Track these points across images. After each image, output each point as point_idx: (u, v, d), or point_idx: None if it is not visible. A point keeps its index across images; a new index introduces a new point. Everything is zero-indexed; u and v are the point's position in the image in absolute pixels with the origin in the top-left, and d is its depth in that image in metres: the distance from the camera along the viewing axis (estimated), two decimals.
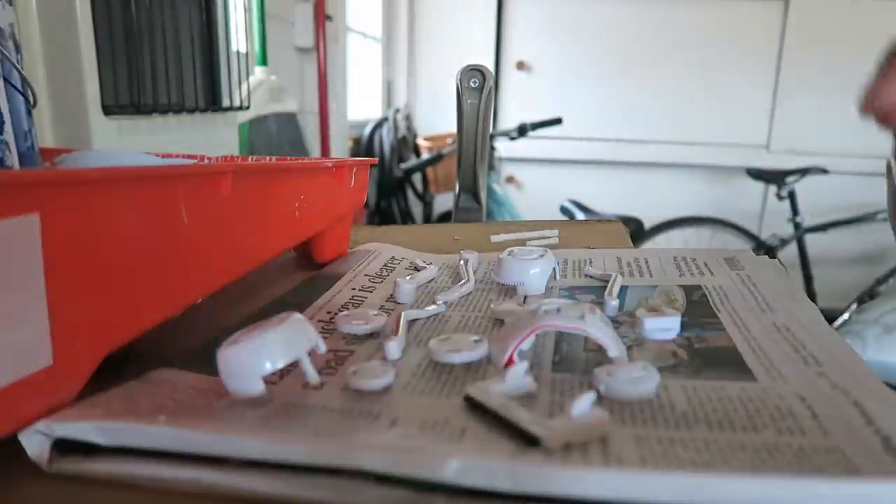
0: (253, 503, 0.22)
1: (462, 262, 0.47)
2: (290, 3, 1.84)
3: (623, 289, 0.41)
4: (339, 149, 2.11)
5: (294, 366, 0.27)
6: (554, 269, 0.43)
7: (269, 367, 0.26)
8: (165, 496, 0.22)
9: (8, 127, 0.42)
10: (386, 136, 2.51)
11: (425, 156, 2.58)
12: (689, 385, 0.27)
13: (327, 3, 1.93)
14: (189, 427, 0.24)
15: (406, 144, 2.71)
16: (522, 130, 2.30)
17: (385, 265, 0.49)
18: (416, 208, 2.76)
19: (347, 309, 0.38)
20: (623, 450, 0.22)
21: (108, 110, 0.77)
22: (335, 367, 0.30)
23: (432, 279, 0.45)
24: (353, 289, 0.43)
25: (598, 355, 0.30)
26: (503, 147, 2.88)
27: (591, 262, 0.47)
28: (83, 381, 0.26)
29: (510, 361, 0.30)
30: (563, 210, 2.54)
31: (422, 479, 0.21)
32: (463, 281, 0.43)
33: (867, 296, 2.36)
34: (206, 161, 0.53)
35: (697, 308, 0.37)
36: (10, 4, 0.45)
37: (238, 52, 1.11)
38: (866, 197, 2.76)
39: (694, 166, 2.99)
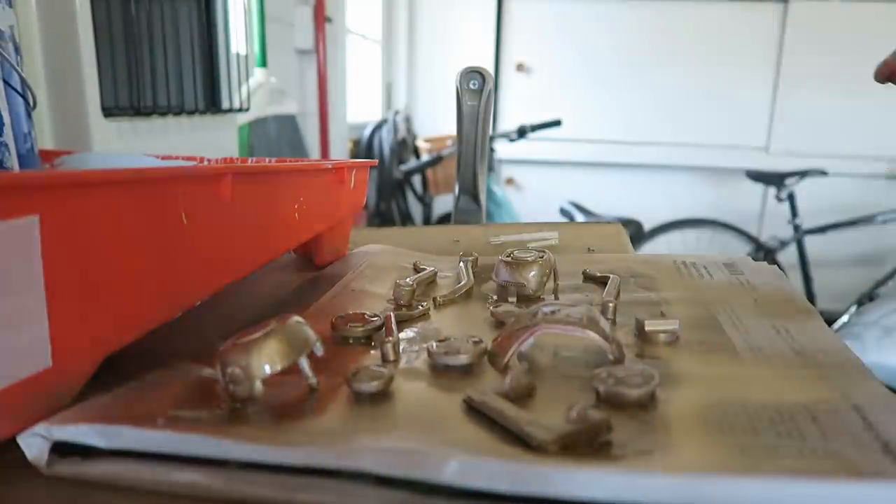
0: None
1: (462, 263, 0.47)
2: (290, 5, 1.84)
3: (622, 291, 0.41)
4: (339, 150, 2.11)
5: (293, 368, 0.27)
6: (553, 270, 0.43)
7: (268, 369, 0.26)
8: (164, 499, 0.22)
9: (8, 129, 0.42)
10: (386, 138, 2.51)
11: (425, 157, 2.58)
12: (688, 387, 0.27)
13: (327, 5, 1.93)
14: (188, 430, 0.24)
15: (406, 146, 2.71)
16: (522, 132, 2.30)
17: (384, 267, 0.49)
18: (416, 210, 2.76)
19: (347, 311, 0.38)
20: (623, 451, 0.22)
21: (107, 112, 0.77)
22: (335, 369, 0.30)
23: (432, 281, 0.45)
24: (353, 290, 0.43)
25: (598, 357, 0.30)
26: (503, 149, 2.88)
27: (590, 265, 0.47)
28: (82, 383, 0.26)
29: (509, 363, 0.30)
30: (563, 212, 2.54)
31: (421, 481, 0.21)
32: (462, 282, 0.43)
33: (867, 298, 2.36)
34: (205, 163, 0.53)
35: (697, 310, 0.37)
36: (10, 6, 0.45)
37: (238, 54, 1.11)
38: (866, 199, 2.76)
39: (693, 168, 2.99)
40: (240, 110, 1.12)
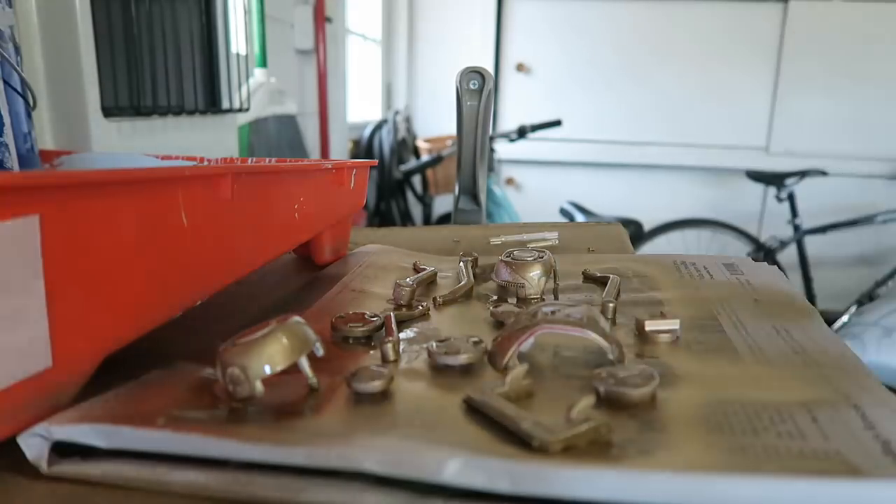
0: None
1: (461, 263, 0.47)
2: (289, 5, 1.84)
3: (622, 291, 0.41)
4: (339, 151, 2.11)
5: (293, 368, 0.27)
6: (553, 270, 0.43)
7: (268, 369, 0.26)
8: (164, 499, 0.22)
9: (8, 129, 0.42)
10: (385, 138, 2.51)
11: (425, 158, 2.58)
12: (688, 387, 0.27)
13: (327, 5, 1.93)
14: (188, 430, 0.24)
15: (406, 146, 2.71)
16: (522, 132, 2.30)
17: (384, 267, 0.49)
18: (416, 210, 2.76)
19: (347, 311, 0.38)
20: (622, 451, 0.22)
21: (107, 112, 0.77)
22: (335, 369, 0.30)
23: (432, 281, 0.45)
24: (353, 290, 0.43)
25: (598, 357, 0.30)
26: (503, 149, 2.89)
27: (590, 265, 0.47)
28: (82, 383, 0.26)
29: (509, 363, 0.30)
30: (563, 212, 2.54)
31: (421, 481, 0.21)
32: (462, 282, 0.43)
33: (867, 298, 2.36)
34: (205, 163, 0.53)
35: (697, 310, 0.37)
36: (10, 6, 0.45)
37: (238, 54, 1.11)
38: (865, 199, 2.77)
39: (693, 168, 2.99)
40: (240, 110, 1.12)
